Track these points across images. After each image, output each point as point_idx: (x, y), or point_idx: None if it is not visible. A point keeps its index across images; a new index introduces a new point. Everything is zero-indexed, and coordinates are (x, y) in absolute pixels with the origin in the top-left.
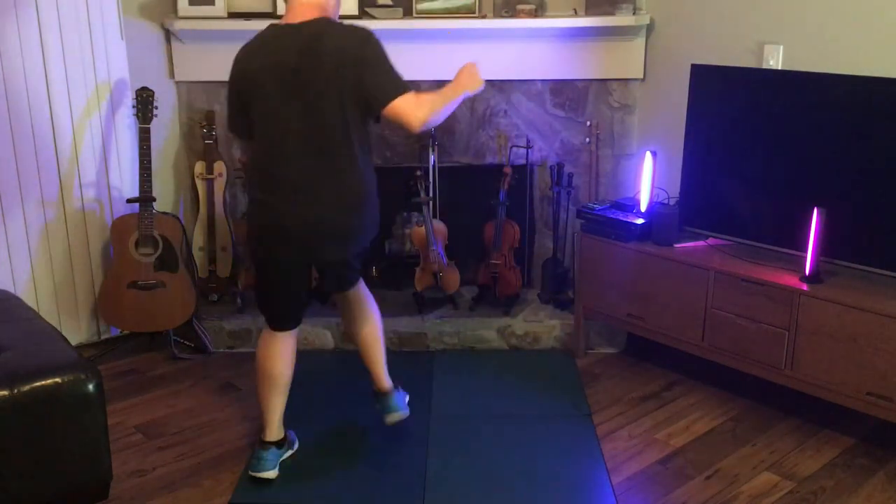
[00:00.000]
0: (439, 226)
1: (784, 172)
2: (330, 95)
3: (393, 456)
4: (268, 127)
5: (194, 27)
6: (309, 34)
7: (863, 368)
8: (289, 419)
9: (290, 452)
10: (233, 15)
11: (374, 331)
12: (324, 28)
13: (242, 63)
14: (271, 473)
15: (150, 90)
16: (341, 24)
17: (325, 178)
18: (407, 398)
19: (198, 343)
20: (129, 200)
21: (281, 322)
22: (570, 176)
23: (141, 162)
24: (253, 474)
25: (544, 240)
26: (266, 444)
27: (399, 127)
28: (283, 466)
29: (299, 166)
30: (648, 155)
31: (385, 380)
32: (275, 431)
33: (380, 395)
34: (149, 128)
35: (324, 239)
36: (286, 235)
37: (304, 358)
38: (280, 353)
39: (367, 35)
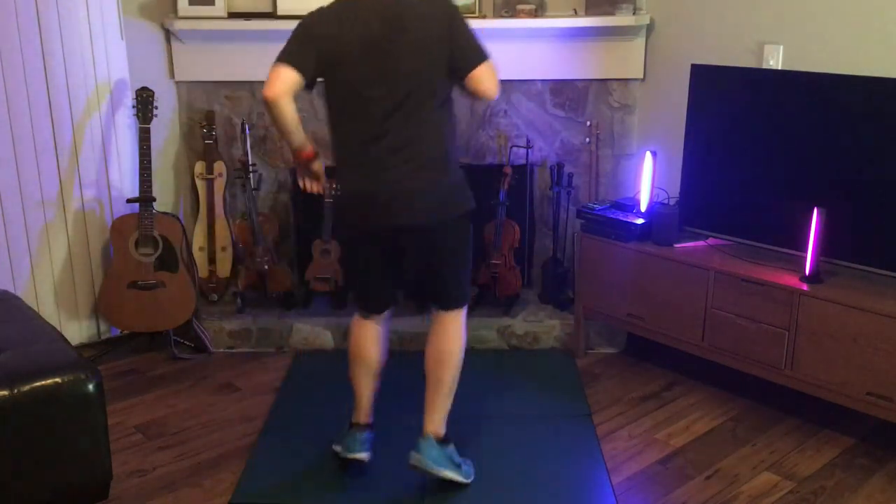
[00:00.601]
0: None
1: (784, 172)
2: (418, 64)
3: (393, 456)
4: (356, 101)
5: (194, 27)
6: (389, 3)
7: (863, 368)
8: (289, 419)
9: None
10: (233, 15)
11: (444, 353)
12: None
13: (323, 29)
14: (365, 455)
15: (150, 90)
16: None
17: (414, 145)
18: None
19: (198, 343)
20: (129, 200)
21: (372, 305)
22: (570, 176)
23: (141, 162)
24: (347, 456)
25: (544, 240)
26: (360, 427)
27: (474, 94)
28: (283, 467)
29: (390, 135)
30: (648, 155)
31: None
32: (367, 414)
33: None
34: (149, 128)
35: (415, 201)
36: (380, 202)
37: (305, 358)
38: (373, 340)
39: (450, 3)
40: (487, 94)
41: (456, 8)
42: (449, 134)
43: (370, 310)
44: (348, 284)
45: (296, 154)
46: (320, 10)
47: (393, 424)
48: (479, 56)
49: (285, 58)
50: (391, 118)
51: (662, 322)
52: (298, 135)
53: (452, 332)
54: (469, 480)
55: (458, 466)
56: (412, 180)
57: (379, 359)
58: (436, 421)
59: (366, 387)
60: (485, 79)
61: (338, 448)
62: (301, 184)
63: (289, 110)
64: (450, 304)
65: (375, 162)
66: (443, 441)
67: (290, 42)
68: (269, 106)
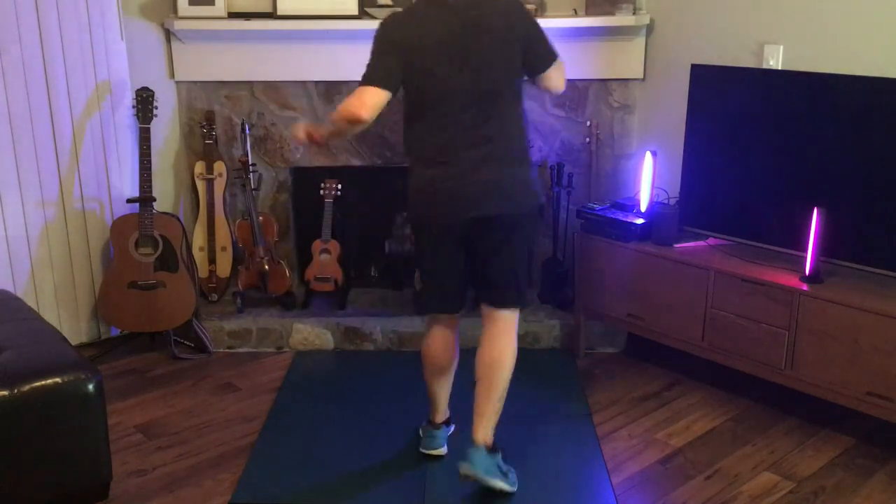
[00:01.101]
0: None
1: (784, 172)
2: (497, 63)
3: (393, 456)
4: (437, 97)
5: (194, 27)
6: (467, 5)
7: (863, 368)
8: (289, 419)
9: (452, 428)
10: (233, 15)
11: (497, 358)
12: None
13: (402, 33)
14: (443, 450)
15: (150, 90)
16: None
17: (495, 140)
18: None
19: (198, 343)
20: (129, 200)
21: (448, 303)
22: (570, 176)
23: (141, 162)
24: (426, 451)
25: (544, 240)
26: (437, 425)
27: (545, 89)
28: (283, 467)
29: (471, 132)
30: (648, 155)
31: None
32: (444, 413)
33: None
34: (149, 128)
35: (494, 191)
36: (460, 195)
37: (305, 358)
38: (451, 345)
39: (523, 5)
40: (558, 89)
41: (530, 11)
42: (524, 129)
43: (448, 309)
44: (425, 285)
45: (311, 132)
46: (395, 16)
47: (392, 424)
48: (552, 56)
49: (371, 78)
50: (472, 115)
51: (662, 322)
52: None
53: (507, 336)
54: (515, 489)
55: (506, 475)
56: (492, 173)
57: (454, 362)
58: (486, 429)
59: (443, 390)
60: (555, 76)
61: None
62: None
63: (353, 127)
64: (507, 302)
65: (457, 156)
66: (492, 450)
67: (372, 57)
68: (350, 124)
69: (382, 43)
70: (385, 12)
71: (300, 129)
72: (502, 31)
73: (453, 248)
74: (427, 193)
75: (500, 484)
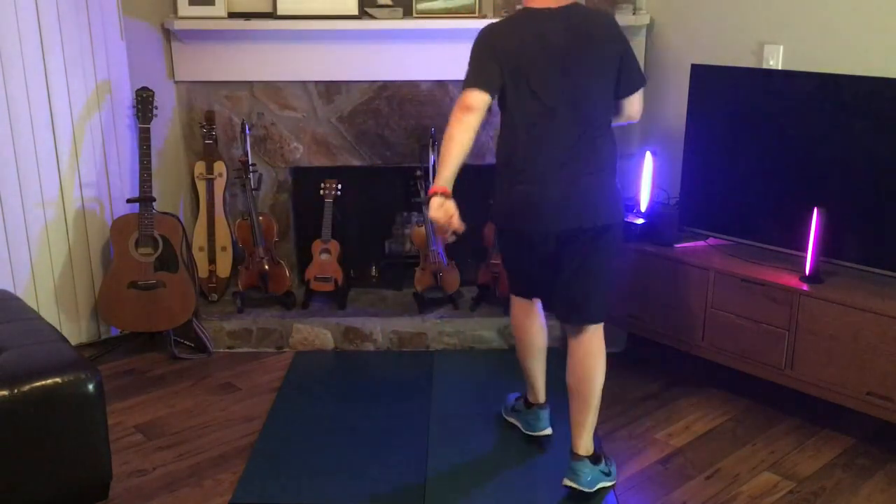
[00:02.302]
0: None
1: (784, 172)
2: (596, 76)
3: (393, 456)
4: (537, 104)
5: (194, 27)
6: (571, 16)
7: (863, 368)
8: (289, 419)
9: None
10: (233, 15)
11: (586, 370)
12: (585, 12)
13: (503, 42)
14: (549, 430)
15: (150, 90)
16: (594, 10)
17: (588, 152)
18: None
19: (198, 343)
20: (129, 200)
21: (536, 288)
22: None
23: (141, 162)
24: (530, 433)
25: None
26: (542, 406)
27: (625, 115)
28: (283, 467)
29: (568, 142)
30: (648, 155)
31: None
32: (544, 394)
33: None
34: (149, 128)
35: (587, 205)
36: (556, 206)
37: (305, 358)
38: (540, 324)
39: (618, 24)
40: (635, 117)
41: (623, 32)
42: (615, 143)
43: (532, 294)
44: (510, 278)
45: (434, 188)
46: (493, 27)
47: (392, 424)
48: (640, 81)
49: (472, 81)
50: (571, 127)
51: (662, 322)
52: (455, 168)
53: (596, 348)
54: (615, 481)
55: (608, 475)
56: (588, 186)
57: (544, 338)
58: (588, 440)
59: (539, 370)
60: (636, 102)
61: (516, 422)
62: (438, 225)
63: (472, 133)
64: (592, 317)
65: (556, 167)
66: (594, 459)
67: (473, 63)
68: (454, 121)
69: (482, 49)
70: (385, 12)
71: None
72: (604, 47)
73: (544, 255)
74: (522, 205)
75: (603, 484)
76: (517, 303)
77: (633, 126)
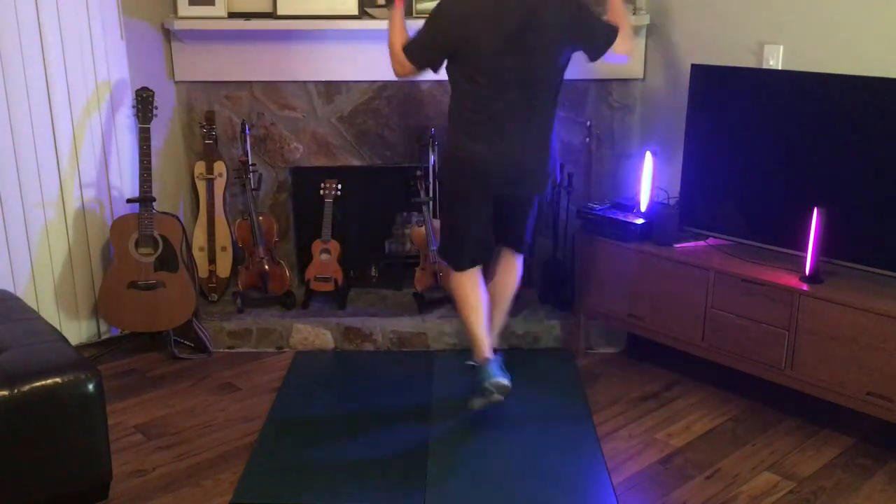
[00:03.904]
0: (439, 226)
1: (784, 172)
2: (548, 53)
3: (393, 455)
4: (485, 78)
5: (194, 27)
6: None
7: (863, 368)
8: (289, 419)
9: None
10: (233, 15)
11: (511, 286)
12: None
13: (456, 14)
14: (506, 380)
15: (150, 90)
16: None
17: (532, 124)
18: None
19: (198, 343)
20: (129, 200)
21: (469, 262)
22: (570, 176)
23: (141, 162)
24: (490, 384)
25: (544, 240)
26: (490, 360)
27: (620, 60)
28: (283, 467)
29: (513, 114)
30: (648, 155)
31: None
32: (488, 349)
33: (482, 365)
34: (149, 128)
35: (524, 174)
36: (496, 172)
37: (305, 358)
38: (475, 284)
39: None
40: (629, 54)
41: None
42: (554, 114)
43: (477, 261)
44: (449, 243)
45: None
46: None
47: (392, 424)
48: (612, 33)
49: (410, 53)
50: (518, 97)
51: (662, 322)
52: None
53: (517, 269)
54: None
55: (504, 371)
56: (533, 159)
57: (483, 299)
58: (495, 340)
59: (480, 325)
60: (622, 50)
61: (479, 398)
62: None
63: (401, 51)
64: (521, 248)
65: (501, 135)
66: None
67: (420, 35)
68: (396, 66)
69: (432, 27)
70: (385, 12)
71: None
72: (556, 21)
73: (485, 211)
74: (469, 164)
75: (508, 382)
76: (469, 274)
77: (633, 126)
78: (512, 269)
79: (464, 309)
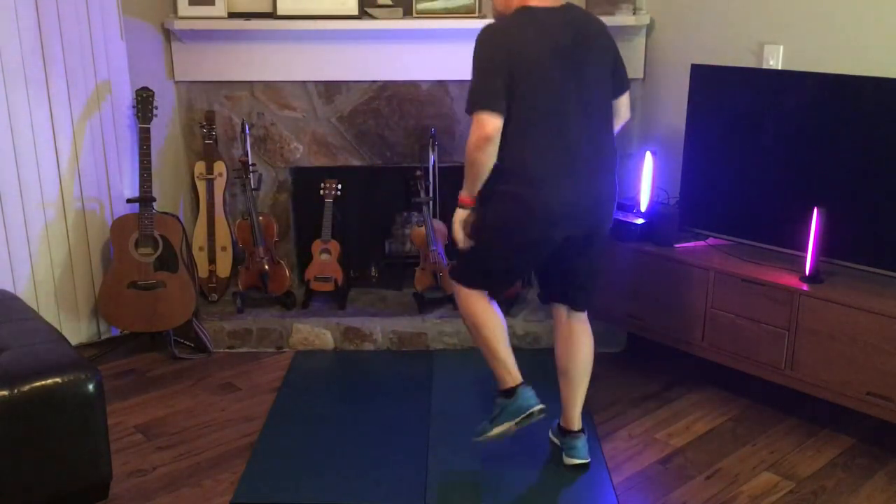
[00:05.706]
0: (439, 226)
1: (784, 172)
2: (599, 75)
3: (393, 456)
4: (547, 104)
5: (194, 27)
6: (573, 17)
7: (863, 368)
8: (289, 419)
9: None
10: (233, 15)
11: (589, 358)
12: (582, 13)
13: (506, 44)
14: (542, 404)
15: (150, 90)
16: (584, 9)
17: (599, 152)
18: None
19: (198, 343)
20: (129, 200)
21: (498, 294)
22: None
23: (141, 162)
24: (538, 410)
25: None
26: (525, 385)
27: (618, 116)
28: (283, 467)
29: (580, 141)
30: (648, 155)
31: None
32: (517, 376)
33: (568, 435)
34: (149, 128)
35: (601, 206)
36: (570, 211)
37: (305, 358)
38: (487, 301)
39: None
40: (626, 117)
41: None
42: (615, 144)
43: (498, 294)
44: (476, 279)
45: (466, 199)
46: (495, 28)
47: (392, 424)
48: (628, 83)
49: (483, 104)
50: (582, 129)
51: (662, 322)
52: (481, 182)
53: (588, 333)
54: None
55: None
56: (602, 187)
57: (504, 323)
58: (580, 414)
59: (506, 345)
60: (625, 103)
61: (505, 425)
62: (458, 236)
63: (492, 158)
64: (588, 305)
65: (570, 170)
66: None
67: (481, 76)
68: (477, 151)
69: (488, 56)
70: (385, 12)
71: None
72: (602, 44)
73: (541, 255)
74: (533, 210)
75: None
76: (480, 299)
77: (633, 126)
78: (582, 335)
79: (482, 329)
